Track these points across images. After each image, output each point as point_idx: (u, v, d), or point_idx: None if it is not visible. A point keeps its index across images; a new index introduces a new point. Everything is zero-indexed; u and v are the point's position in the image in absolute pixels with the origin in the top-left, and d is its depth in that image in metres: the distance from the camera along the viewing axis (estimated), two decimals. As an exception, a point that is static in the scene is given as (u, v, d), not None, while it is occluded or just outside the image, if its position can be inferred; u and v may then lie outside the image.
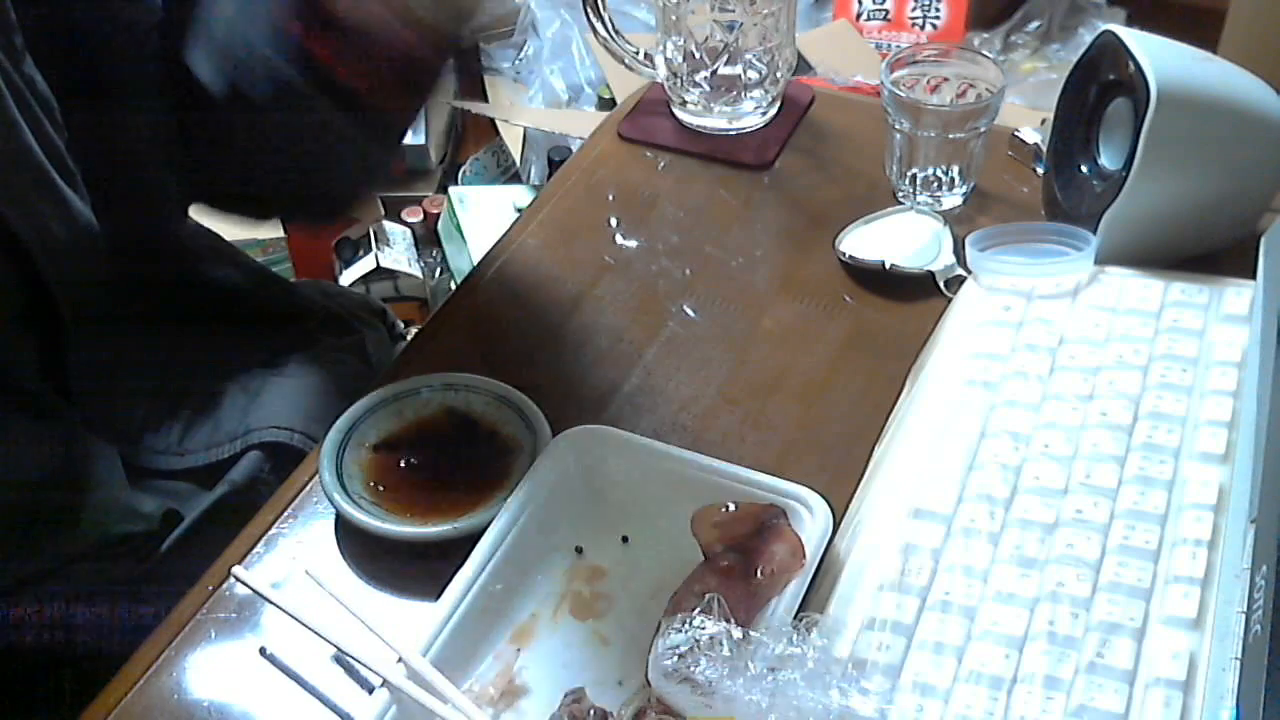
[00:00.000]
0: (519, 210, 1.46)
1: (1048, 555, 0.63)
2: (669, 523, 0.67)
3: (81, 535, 0.73)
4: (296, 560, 0.68)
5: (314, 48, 0.74)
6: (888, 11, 2.23)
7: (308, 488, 0.72)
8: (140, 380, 0.82)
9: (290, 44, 0.74)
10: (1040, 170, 0.90)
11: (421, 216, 2.03)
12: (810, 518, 0.64)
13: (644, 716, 0.57)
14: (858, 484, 0.69)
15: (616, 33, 0.98)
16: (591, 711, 0.58)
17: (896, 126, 0.87)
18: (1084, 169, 0.83)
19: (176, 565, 0.75)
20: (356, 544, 0.69)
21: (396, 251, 1.93)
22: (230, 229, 0.93)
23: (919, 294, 0.82)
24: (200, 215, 0.89)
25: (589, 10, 0.97)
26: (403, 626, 0.61)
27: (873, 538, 0.66)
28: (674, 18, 0.93)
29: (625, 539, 0.67)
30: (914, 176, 0.88)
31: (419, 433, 0.73)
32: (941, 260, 0.83)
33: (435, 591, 0.63)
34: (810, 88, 1.03)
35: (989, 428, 0.70)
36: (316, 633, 0.63)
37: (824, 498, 0.65)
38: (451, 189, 2.01)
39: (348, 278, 1.89)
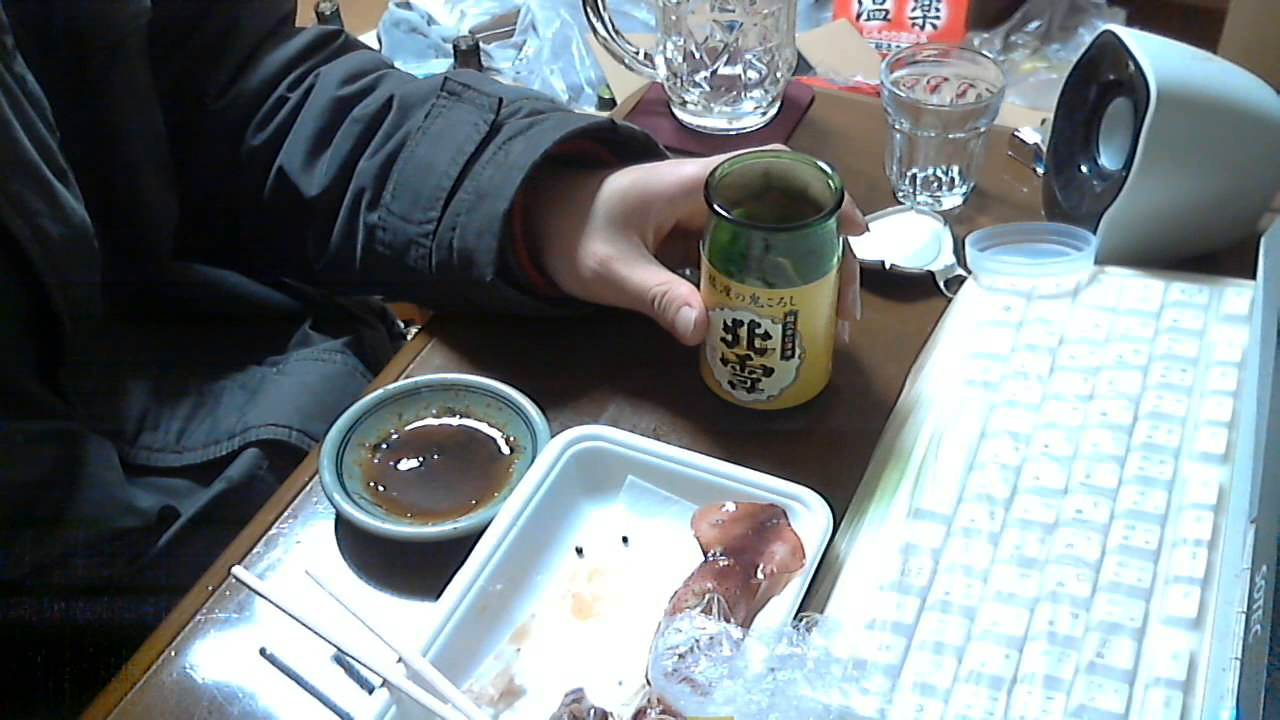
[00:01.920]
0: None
1: (1048, 555, 0.63)
2: (669, 523, 0.67)
3: (77, 531, 0.73)
4: (296, 560, 0.68)
5: (529, 271, 0.77)
6: (888, 11, 2.23)
7: (308, 487, 0.72)
8: (138, 378, 0.82)
9: (510, 260, 0.76)
10: (1040, 170, 0.90)
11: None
12: (810, 518, 0.64)
13: (644, 716, 0.57)
14: (858, 484, 0.69)
15: (616, 33, 0.98)
16: (591, 711, 0.58)
17: (896, 126, 0.87)
18: (1084, 169, 0.83)
19: (173, 561, 0.75)
20: (356, 544, 0.69)
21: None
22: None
23: (919, 294, 0.82)
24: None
25: (589, 10, 0.97)
26: (403, 626, 0.61)
27: (873, 538, 0.66)
28: (674, 18, 0.93)
29: (625, 539, 0.67)
30: (914, 176, 0.88)
31: (419, 433, 0.73)
32: (941, 260, 0.83)
33: (435, 591, 0.63)
34: (810, 88, 1.03)
35: (989, 428, 0.70)
36: (316, 633, 0.62)
37: (824, 498, 0.65)
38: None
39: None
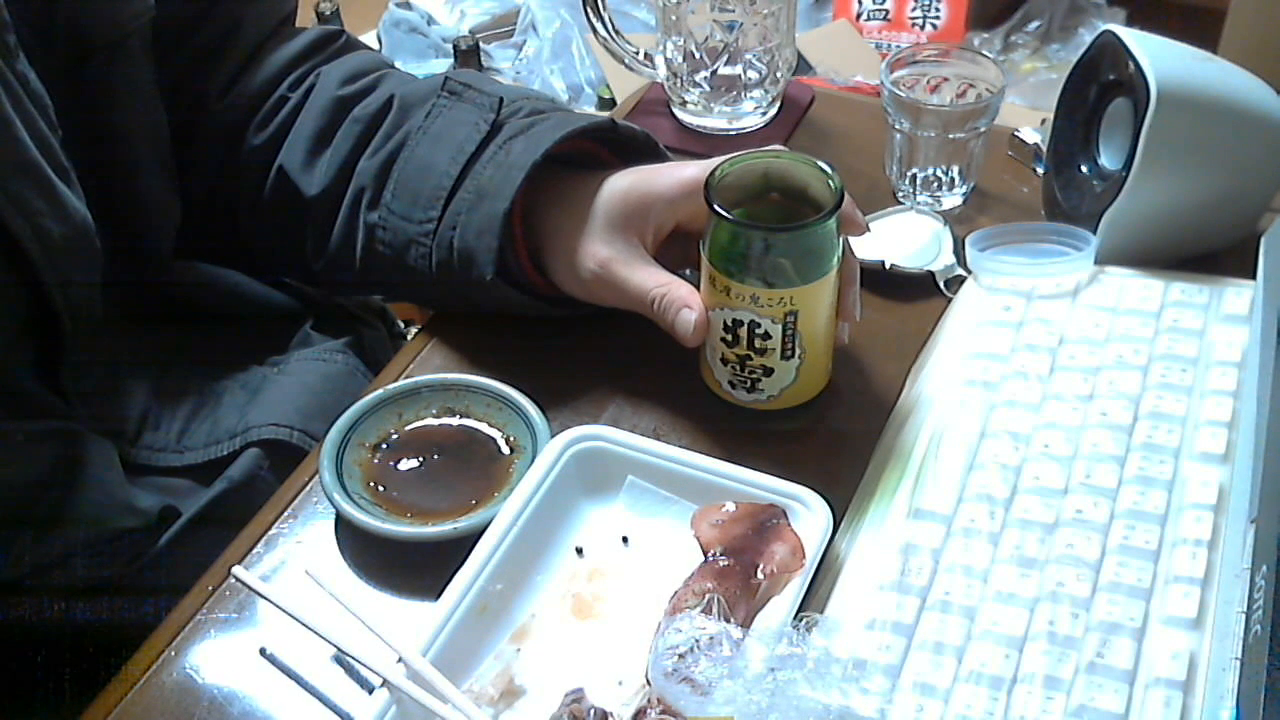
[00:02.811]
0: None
1: (1048, 555, 0.63)
2: (669, 523, 0.67)
3: (77, 531, 0.73)
4: (296, 560, 0.68)
5: (529, 271, 0.77)
6: (888, 11, 2.23)
7: (308, 488, 0.72)
8: (139, 378, 0.82)
9: (510, 260, 0.75)
10: (1040, 170, 0.90)
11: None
12: (810, 518, 0.64)
13: (644, 716, 0.57)
14: (858, 484, 0.69)
15: (616, 33, 0.98)
16: (591, 711, 0.58)
17: (896, 126, 0.87)
18: (1084, 169, 0.83)
19: (173, 561, 0.75)
20: (356, 544, 0.69)
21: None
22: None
23: (919, 294, 0.82)
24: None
25: (589, 10, 0.97)
26: (403, 626, 0.61)
27: (873, 538, 0.66)
28: (674, 18, 0.93)
29: (625, 539, 0.67)
30: (914, 176, 0.88)
31: (419, 433, 0.73)
32: (941, 260, 0.83)
33: (435, 591, 0.63)
34: (810, 88, 1.03)
35: (989, 428, 0.70)
36: (316, 633, 0.62)
37: (824, 498, 0.65)
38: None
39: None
